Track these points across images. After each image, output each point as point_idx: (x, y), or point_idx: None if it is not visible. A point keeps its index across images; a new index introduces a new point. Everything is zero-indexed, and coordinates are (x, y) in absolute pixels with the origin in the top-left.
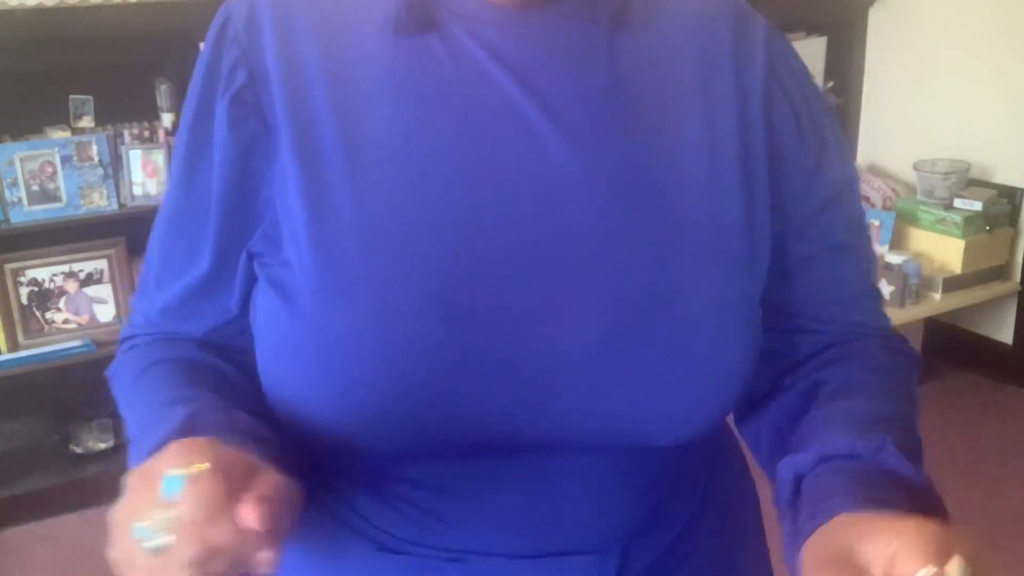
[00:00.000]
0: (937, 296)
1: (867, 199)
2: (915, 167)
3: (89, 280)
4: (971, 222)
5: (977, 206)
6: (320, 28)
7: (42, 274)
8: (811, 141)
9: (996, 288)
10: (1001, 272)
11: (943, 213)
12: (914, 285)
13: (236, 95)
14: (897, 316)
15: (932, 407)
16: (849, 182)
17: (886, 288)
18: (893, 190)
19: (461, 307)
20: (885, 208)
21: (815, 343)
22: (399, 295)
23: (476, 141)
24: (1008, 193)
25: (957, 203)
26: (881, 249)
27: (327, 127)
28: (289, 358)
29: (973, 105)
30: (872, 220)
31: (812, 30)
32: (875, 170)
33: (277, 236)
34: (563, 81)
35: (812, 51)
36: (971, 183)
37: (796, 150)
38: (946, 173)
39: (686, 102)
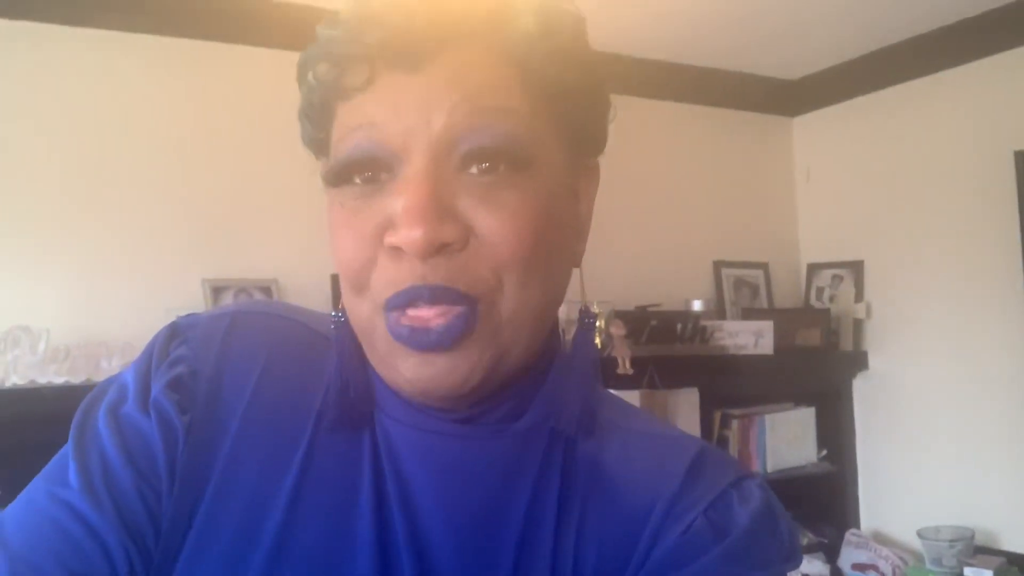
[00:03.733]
0: None
1: (876, 568)
2: (919, 535)
3: None
4: None
5: (988, 574)
6: (267, 369)
7: None
8: None
9: None
10: None
11: None
12: None
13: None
14: None
15: None
16: None
17: None
18: (901, 559)
19: None
20: None
21: None
22: None
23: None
24: (1017, 561)
25: (967, 572)
26: None
27: (209, 483)
28: None
29: (969, 471)
30: None
31: (800, 401)
32: (880, 538)
33: None
34: (450, 514)
35: (802, 420)
36: (978, 550)
37: None
38: (951, 540)
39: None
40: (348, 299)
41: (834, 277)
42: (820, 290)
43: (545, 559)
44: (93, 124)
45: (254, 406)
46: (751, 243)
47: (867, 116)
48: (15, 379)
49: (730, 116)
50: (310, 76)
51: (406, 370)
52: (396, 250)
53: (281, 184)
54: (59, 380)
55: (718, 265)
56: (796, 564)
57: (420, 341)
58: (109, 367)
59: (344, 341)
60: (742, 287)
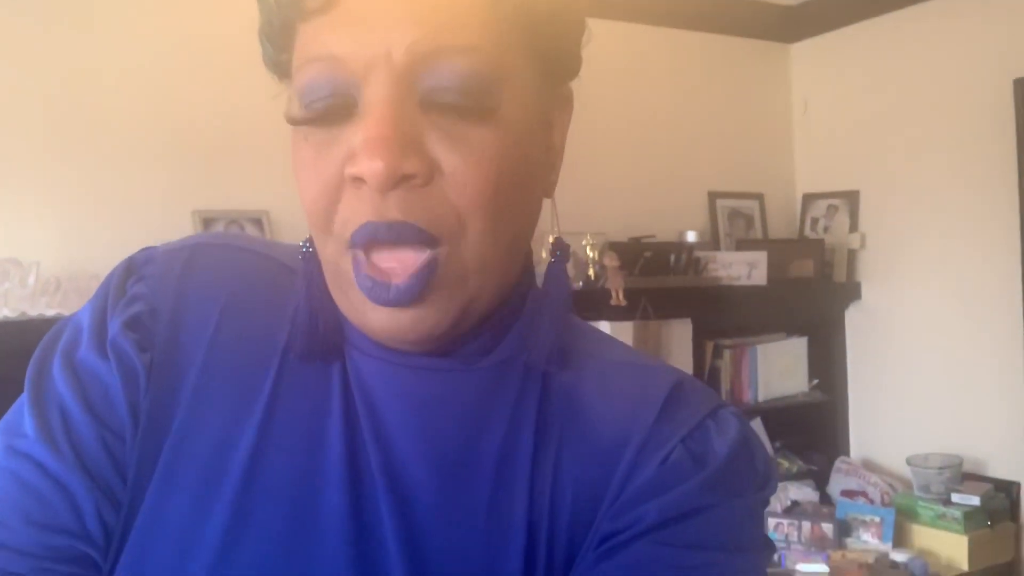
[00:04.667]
0: None
1: (865, 495)
2: (908, 462)
3: None
4: (971, 517)
5: (975, 501)
6: (222, 312)
7: None
8: None
9: None
10: (1009, 570)
11: (942, 508)
12: None
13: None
14: None
15: None
16: None
17: None
18: (889, 485)
19: None
20: (884, 504)
21: None
22: None
23: (305, 482)
24: (1004, 487)
25: (955, 498)
26: (885, 547)
27: (174, 421)
28: None
29: (958, 400)
30: (873, 517)
31: (792, 331)
32: (869, 465)
33: None
34: (423, 443)
35: (794, 351)
36: (966, 477)
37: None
38: (940, 468)
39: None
40: (316, 238)
41: (829, 207)
42: (815, 221)
43: (521, 494)
44: (78, 56)
45: (217, 341)
46: (746, 173)
47: (865, 43)
48: (6, 312)
49: (727, 43)
50: None
51: (373, 321)
52: (358, 182)
53: (272, 114)
54: (50, 312)
55: (713, 196)
56: (771, 492)
57: (380, 297)
58: None
59: (312, 273)
60: (737, 218)
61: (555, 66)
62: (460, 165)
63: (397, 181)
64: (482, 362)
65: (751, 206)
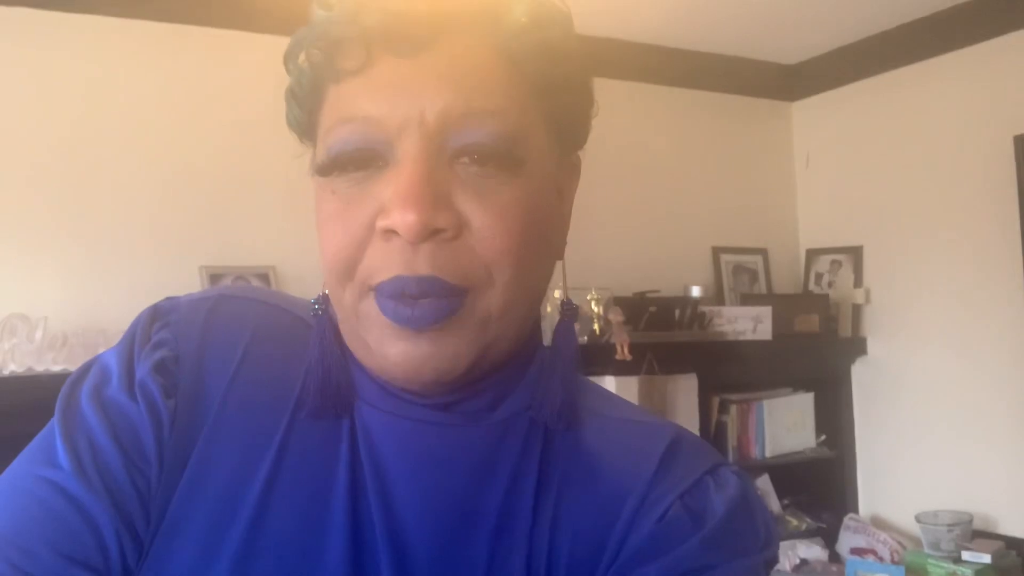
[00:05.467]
0: None
1: (875, 552)
2: (918, 519)
3: None
4: (982, 575)
5: (986, 558)
6: (249, 354)
7: None
8: None
9: None
10: None
11: (952, 566)
12: None
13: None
14: None
15: None
16: None
17: None
18: (899, 543)
19: None
20: (894, 562)
21: None
22: None
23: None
24: (1015, 544)
25: (965, 555)
26: None
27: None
28: None
29: (968, 456)
30: (883, 575)
31: (798, 387)
32: (878, 522)
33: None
34: (425, 499)
35: (801, 406)
36: (976, 535)
37: None
38: (950, 525)
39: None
40: (332, 289)
41: (833, 262)
42: (819, 276)
43: (520, 550)
44: (89, 112)
45: (233, 391)
46: (750, 229)
47: (866, 101)
48: (13, 367)
49: (729, 101)
50: (302, 57)
51: (393, 353)
52: (388, 234)
53: (279, 170)
54: (57, 368)
55: (717, 251)
56: (774, 552)
57: (403, 315)
58: None
59: (325, 331)
60: (741, 273)
61: (567, 134)
62: (487, 219)
63: (428, 234)
64: (489, 417)
65: (755, 261)
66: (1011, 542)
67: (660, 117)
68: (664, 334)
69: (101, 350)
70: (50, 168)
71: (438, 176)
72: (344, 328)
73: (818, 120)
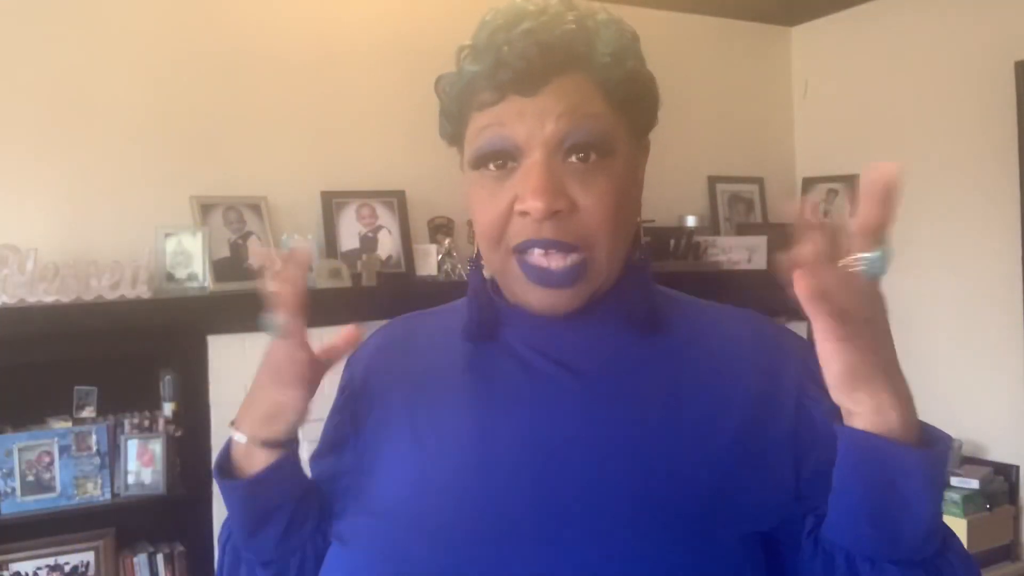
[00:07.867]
0: None
1: None
2: None
3: (74, 574)
4: (971, 500)
5: (974, 484)
6: (405, 344)
7: (26, 567)
8: (825, 435)
9: (1006, 569)
10: (1008, 552)
11: None
12: None
13: (342, 405)
14: None
15: None
16: None
17: None
18: None
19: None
20: None
21: None
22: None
23: (516, 415)
24: (1004, 470)
25: (954, 481)
26: None
27: (401, 415)
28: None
29: (958, 383)
30: None
31: (793, 316)
32: None
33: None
34: (601, 367)
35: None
36: (965, 461)
37: (812, 446)
38: None
39: (702, 391)
40: (486, 251)
41: (829, 191)
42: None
43: (659, 395)
44: (79, 40)
45: (404, 363)
46: (746, 158)
47: (866, 26)
48: (5, 298)
49: (727, 26)
50: (452, 91)
51: (535, 301)
52: (523, 215)
53: (270, 100)
54: (49, 299)
55: (712, 180)
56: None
57: (545, 280)
58: (98, 285)
59: (479, 278)
60: (737, 202)
61: (642, 125)
62: (591, 201)
63: (551, 215)
64: (596, 313)
65: (751, 190)
66: (999, 468)
67: (655, 43)
68: (659, 264)
69: (92, 280)
70: (41, 102)
71: (556, 172)
72: (499, 278)
73: (817, 46)
